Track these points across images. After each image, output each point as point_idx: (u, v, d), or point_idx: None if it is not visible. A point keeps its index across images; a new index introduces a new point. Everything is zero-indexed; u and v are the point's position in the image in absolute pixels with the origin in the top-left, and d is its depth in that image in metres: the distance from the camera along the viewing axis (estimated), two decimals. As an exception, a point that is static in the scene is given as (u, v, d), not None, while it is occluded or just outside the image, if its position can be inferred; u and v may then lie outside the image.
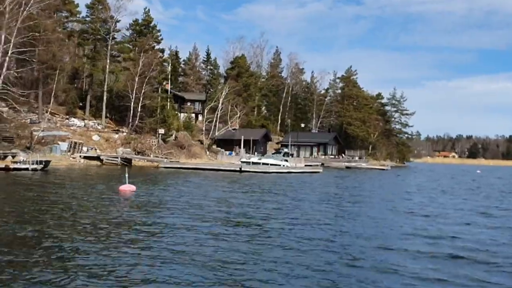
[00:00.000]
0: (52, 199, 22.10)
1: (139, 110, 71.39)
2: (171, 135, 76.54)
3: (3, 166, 36.56)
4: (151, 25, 79.40)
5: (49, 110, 71.90)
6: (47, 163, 40.59)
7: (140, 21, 79.57)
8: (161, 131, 72.71)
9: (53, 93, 64.53)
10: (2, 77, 50.48)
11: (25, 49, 52.35)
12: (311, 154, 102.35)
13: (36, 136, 57.25)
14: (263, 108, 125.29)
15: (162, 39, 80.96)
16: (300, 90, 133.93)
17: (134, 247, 12.53)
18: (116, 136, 69.25)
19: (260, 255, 12.31)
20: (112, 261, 11.02)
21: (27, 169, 36.59)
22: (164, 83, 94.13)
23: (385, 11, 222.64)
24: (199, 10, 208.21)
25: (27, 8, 50.01)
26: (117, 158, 56.09)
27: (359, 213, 21.92)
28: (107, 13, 77.05)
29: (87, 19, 78.88)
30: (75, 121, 70.71)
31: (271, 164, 57.09)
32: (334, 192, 32.08)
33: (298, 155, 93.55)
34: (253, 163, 57.98)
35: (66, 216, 17.24)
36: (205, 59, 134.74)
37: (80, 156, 55.12)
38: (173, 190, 28.55)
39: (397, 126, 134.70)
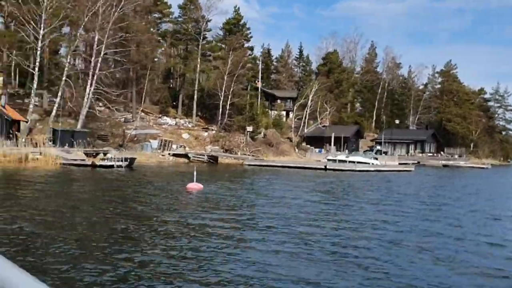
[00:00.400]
0: (120, 194, 22.40)
1: (227, 108, 72.00)
2: (260, 132, 76.54)
3: (90, 163, 37.95)
4: (241, 23, 79.82)
5: (143, 109, 74.60)
6: (132, 160, 41.68)
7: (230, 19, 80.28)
8: (250, 128, 72.90)
9: (144, 93, 66.27)
10: (95, 77, 52.52)
11: (117, 50, 54.15)
12: (407, 152, 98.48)
13: (129, 135, 59.27)
14: (357, 104, 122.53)
15: (251, 37, 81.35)
16: (396, 86, 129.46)
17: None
18: (206, 134, 70.28)
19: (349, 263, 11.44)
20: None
21: (112, 166, 37.72)
22: (256, 81, 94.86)
23: (491, 3, 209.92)
24: (296, 8, 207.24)
25: (118, 9, 51.65)
26: (204, 155, 56.73)
27: (426, 215, 20.24)
28: (198, 13, 78.49)
29: (179, 19, 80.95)
30: (167, 119, 72.61)
31: (358, 162, 55.32)
32: (411, 193, 30.16)
33: (393, 153, 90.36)
34: (340, 161, 56.46)
35: (127, 211, 17.26)
36: (297, 56, 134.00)
37: (169, 154, 56.33)
38: (243, 188, 28.11)
39: (501, 123, 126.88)
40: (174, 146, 60.21)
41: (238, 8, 79.69)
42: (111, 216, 16.45)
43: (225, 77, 71.02)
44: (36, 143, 43.86)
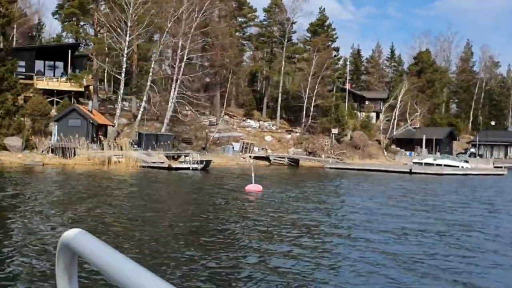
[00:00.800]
0: (186, 195, 22.50)
1: (311, 110, 71.21)
2: (345, 135, 75.03)
3: (166, 166, 38.70)
4: (326, 24, 78.78)
5: (227, 112, 75.52)
6: (207, 163, 42.06)
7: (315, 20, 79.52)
8: (335, 131, 71.66)
9: (226, 96, 66.94)
10: (178, 82, 53.67)
11: (200, 54, 55.07)
12: (506, 154, 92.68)
13: (211, 137, 60.13)
14: (453, 105, 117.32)
15: (337, 37, 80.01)
16: (495, 85, 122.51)
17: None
18: (289, 136, 69.91)
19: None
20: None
21: (188, 168, 38.26)
22: (344, 82, 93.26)
23: None
24: (392, 7, 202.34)
25: (200, 15, 52.48)
26: (284, 158, 56.35)
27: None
28: (283, 15, 78.42)
29: (264, 22, 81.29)
30: (250, 122, 73.01)
31: (445, 165, 52.63)
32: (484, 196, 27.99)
33: (489, 156, 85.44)
34: (426, 164, 54.03)
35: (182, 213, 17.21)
36: (389, 56, 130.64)
37: (250, 157, 56.48)
38: (312, 191, 27.33)
39: None
40: (256, 149, 60.34)
41: (324, 9, 78.88)
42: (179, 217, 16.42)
43: (309, 79, 70.29)
44: (121, 147, 45.51)
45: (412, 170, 48.14)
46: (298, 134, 71.15)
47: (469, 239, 14.60)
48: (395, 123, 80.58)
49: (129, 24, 50.98)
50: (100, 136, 45.87)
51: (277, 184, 31.18)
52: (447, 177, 44.58)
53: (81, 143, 40.98)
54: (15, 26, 77.54)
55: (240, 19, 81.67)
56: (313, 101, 71.01)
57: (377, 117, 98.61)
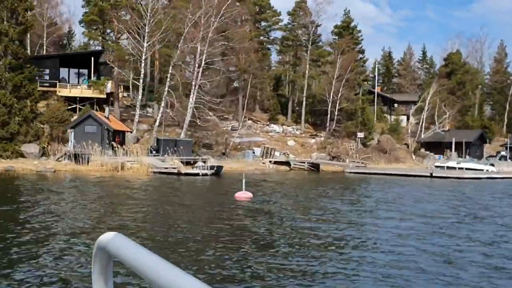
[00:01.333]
0: (178, 201, 21.96)
1: (335, 114, 70.05)
2: (372, 138, 73.56)
3: (175, 171, 38.30)
4: (351, 26, 77.56)
5: (251, 117, 75.04)
6: (219, 168, 41.48)
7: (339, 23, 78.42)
8: (360, 134, 70.36)
9: (246, 100, 66.42)
10: (196, 87, 53.40)
11: (218, 59, 54.74)
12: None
13: (231, 143, 59.67)
14: (487, 107, 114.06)
15: (362, 39, 78.58)
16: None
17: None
18: (313, 141, 68.93)
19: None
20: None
21: (197, 174, 37.78)
22: (375, 85, 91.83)
23: None
24: (429, 9, 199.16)
25: (217, 19, 52.13)
26: (304, 163, 55.40)
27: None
28: (307, 18, 77.57)
29: (288, 26, 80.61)
30: (274, 127, 72.30)
31: (468, 169, 50.85)
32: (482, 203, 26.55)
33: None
34: (448, 167, 52.38)
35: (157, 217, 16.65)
36: (420, 58, 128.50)
37: (270, 162, 55.75)
38: (315, 198, 26.42)
39: None
40: (277, 154, 59.58)
41: (348, 11, 77.67)
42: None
43: (334, 82, 69.19)
44: (137, 153, 45.42)
45: (433, 174, 46.67)
46: (322, 138, 70.08)
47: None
48: (423, 126, 78.64)
49: (147, 30, 51.01)
50: (114, 142, 45.83)
51: (285, 190, 30.37)
52: (468, 181, 42.97)
53: (95, 149, 40.96)
54: (45, 35, 78.99)
55: (264, 23, 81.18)
56: (337, 104, 69.87)
57: (408, 120, 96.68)
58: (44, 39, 79.14)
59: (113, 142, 43.67)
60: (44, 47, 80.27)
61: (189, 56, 55.69)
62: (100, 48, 68.04)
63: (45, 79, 60.57)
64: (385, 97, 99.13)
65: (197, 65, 53.80)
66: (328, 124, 70.48)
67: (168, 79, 52.55)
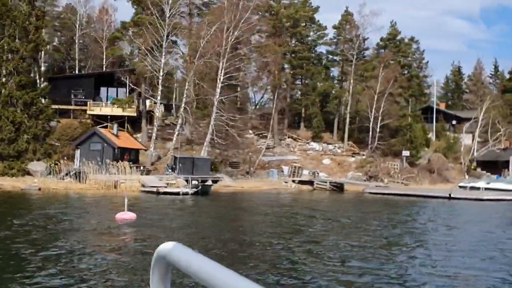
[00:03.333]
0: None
1: (377, 130, 65.57)
2: (419, 157, 68.15)
3: (155, 190, 35.99)
4: (397, 38, 72.90)
5: (291, 135, 71.98)
6: (205, 188, 38.67)
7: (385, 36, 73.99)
8: (406, 153, 65.36)
9: (285, 118, 63.60)
10: (216, 103, 51.34)
11: (233, 74, 52.49)
12: None
13: (257, 161, 57.00)
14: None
15: (409, 52, 73.51)
16: None
17: None
18: (352, 159, 64.75)
19: None
20: None
21: (178, 193, 35.33)
22: (434, 101, 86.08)
23: None
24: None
25: (235, 32, 49.95)
26: (326, 182, 51.61)
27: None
28: (353, 32, 73.88)
29: (333, 40, 77.29)
30: (313, 145, 68.81)
31: (496, 189, 45.36)
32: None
33: None
34: (472, 188, 47.13)
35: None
36: (492, 73, 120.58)
37: (293, 181, 52.49)
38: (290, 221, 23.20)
39: None
40: (305, 172, 56.11)
41: (395, 23, 72.93)
42: None
43: (375, 97, 64.92)
44: (148, 170, 43.89)
45: (452, 195, 41.83)
46: (364, 157, 65.73)
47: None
48: (476, 143, 72.34)
49: (164, 46, 49.77)
50: (125, 159, 44.46)
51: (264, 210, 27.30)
52: (488, 203, 37.88)
53: (92, 167, 39.75)
54: (104, 56, 79.68)
55: (310, 37, 77.94)
56: (379, 121, 65.41)
57: (474, 138, 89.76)
58: (104, 59, 79.76)
59: (107, 160, 42.09)
60: (104, 67, 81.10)
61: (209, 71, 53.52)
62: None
63: (80, 98, 60.95)
64: (448, 114, 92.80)
65: (219, 80, 51.73)
66: (370, 142, 66.11)
67: (185, 95, 50.82)
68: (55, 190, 36.22)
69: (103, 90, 62.63)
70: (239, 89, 60.27)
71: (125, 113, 58.00)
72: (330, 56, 78.04)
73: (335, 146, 69.67)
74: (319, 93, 78.39)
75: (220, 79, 50.90)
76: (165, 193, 34.94)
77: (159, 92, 51.24)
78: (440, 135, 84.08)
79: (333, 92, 77.33)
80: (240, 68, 53.33)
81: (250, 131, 70.32)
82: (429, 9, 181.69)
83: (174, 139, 51.09)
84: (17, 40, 44.54)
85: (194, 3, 62.47)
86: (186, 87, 50.82)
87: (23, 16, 44.10)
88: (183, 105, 51.14)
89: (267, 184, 50.34)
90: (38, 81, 58.46)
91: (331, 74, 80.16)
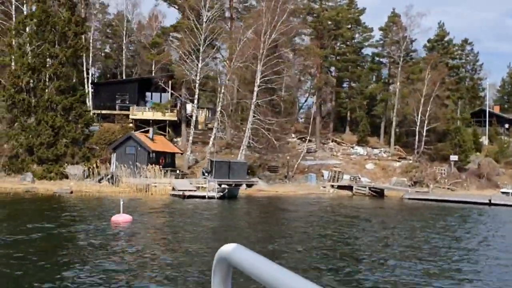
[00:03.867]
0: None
1: (424, 134, 63.27)
2: (468, 162, 65.23)
3: (181, 193, 35.55)
4: (446, 39, 70.21)
5: (335, 139, 70.52)
6: (233, 191, 37.98)
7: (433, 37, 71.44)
8: (454, 157, 62.73)
9: (330, 121, 62.44)
10: (253, 107, 50.80)
11: (273, 77, 51.72)
12: None
13: (296, 165, 56.01)
14: None
15: (458, 54, 70.66)
16: None
17: None
18: (397, 164, 62.64)
19: None
20: None
21: (204, 197, 34.78)
22: (486, 103, 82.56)
23: None
24: None
25: (273, 34, 49.22)
26: (365, 188, 49.97)
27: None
28: (400, 33, 71.79)
29: (380, 42, 75.44)
30: (358, 149, 67.11)
31: None
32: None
33: None
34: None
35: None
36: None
37: (332, 186, 51.16)
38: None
39: None
40: (346, 177, 54.64)
41: (443, 23, 70.25)
42: None
43: (422, 100, 62.72)
44: (183, 173, 43.82)
45: (492, 201, 39.52)
46: (411, 161, 63.52)
47: None
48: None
49: (201, 50, 49.69)
50: (160, 163, 44.55)
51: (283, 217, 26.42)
52: None
53: (125, 171, 39.96)
54: (153, 62, 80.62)
55: (355, 40, 76.33)
56: (425, 124, 63.13)
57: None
58: (153, 65, 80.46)
59: (141, 165, 42.13)
60: (153, 72, 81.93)
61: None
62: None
63: (124, 103, 61.81)
64: (502, 117, 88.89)
65: (256, 84, 51.16)
66: (416, 146, 63.88)
67: (219, 100, 50.50)
68: (87, 194, 36.48)
69: (148, 95, 63.33)
70: (282, 92, 59.36)
71: (166, 118, 58.41)
72: (377, 58, 76.08)
73: (381, 151, 67.71)
74: (365, 96, 76.65)
75: (257, 82, 50.28)
76: (190, 196, 34.55)
77: (196, 96, 51.07)
78: (493, 139, 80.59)
79: (380, 95, 75.27)
80: (280, 71, 52.31)
81: (293, 135, 69.44)
82: (491, 10, 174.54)
83: (211, 143, 50.81)
84: (56, 46, 45.39)
85: (235, 8, 62.26)
86: (222, 91, 50.39)
87: (62, 22, 44.96)
88: (218, 109, 50.85)
89: (305, 189, 49.28)
90: (85, 85, 59.87)
91: (378, 77, 77.85)
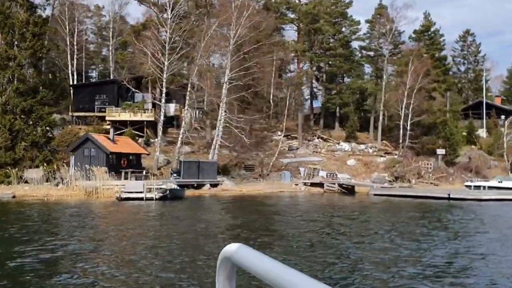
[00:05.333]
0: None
1: (408, 128, 60.67)
2: (457, 156, 62.46)
3: (118, 196, 33.53)
4: (432, 30, 67.34)
5: (321, 135, 68.23)
6: (176, 192, 35.73)
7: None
8: (441, 151, 60.09)
9: (291, 115, 60.22)
10: (223, 105, 48.90)
11: (238, 74, 49.68)
12: None
13: (271, 163, 53.96)
14: None
15: (444, 45, 67.75)
16: None
17: None
18: (381, 159, 60.16)
19: None
20: None
21: (141, 199, 32.84)
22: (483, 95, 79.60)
23: None
24: None
25: (238, 30, 47.25)
26: (334, 184, 47.71)
27: None
28: (387, 25, 69.24)
29: (366, 35, 73.01)
30: (343, 145, 64.70)
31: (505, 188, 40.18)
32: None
33: None
34: (476, 187, 42.18)
35: None
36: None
37: (305, 184, 49.04)
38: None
39: None
40: (322, 174, 52.39)
41: (428, 13, 67.36)
42: None
43: (406, 93, 60.13)
44: (146, 175, 42.06)
45: (451, 196, 37.10)
46: (396, 156, 60.97)
47: None
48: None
49: (167, 48, 47.95)
50: (123, 165, 42.91)
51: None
52: (485, 203, 33.07)
53: (80, 174, 38.39)
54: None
55: (343, 33, 73.75)
56: (409, 118, 60.55)
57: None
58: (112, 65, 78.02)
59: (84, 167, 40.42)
60: (111, 73, 79.65)
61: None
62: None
63: (105, 105, 60.23)
64: (501, 108, 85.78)
65: (225, 81, 49.28)
66: (401, 141, 61.33)
67: (187, 98, 48.69)
68: (33, 198, 34.94)
69: (128, 96, 61.83)
70: (257, 88, 57.26)
71: (143, 118, 56.84)
72: (364, 52, 73.64)
73: (367, 146, 65.24)
74: (353, 91, 74.24)
75: (225, 79, 48.43)
76: (127, 198, 32.69)
77: (163, 95, 49.33)
78: (492, 131, 77.64)
79: (367, 89, 72.73)
80: (251, 67, 50.30)
81: (280, 133, 67.40)
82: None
83: (179, 142, 49.01)
84: (15, 47, 44.05)
85: (212, 4, 60.36)
86: (188, 90, 48.57)
87: (19, 23, 43.58)
88: (186, 107, 49.02)
89: (277, 187, 47.21)
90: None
91: (366, 71, 75.37)
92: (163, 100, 49.25)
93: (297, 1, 63.32)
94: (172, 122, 62.12)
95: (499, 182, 45.37)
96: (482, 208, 31.05)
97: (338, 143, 65.64)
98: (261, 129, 63.67)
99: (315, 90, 77.84)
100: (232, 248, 1.41)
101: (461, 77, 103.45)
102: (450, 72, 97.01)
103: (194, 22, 51.46)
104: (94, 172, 37.63)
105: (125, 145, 44.83)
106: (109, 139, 43.65)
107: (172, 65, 48.64)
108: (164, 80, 48.37)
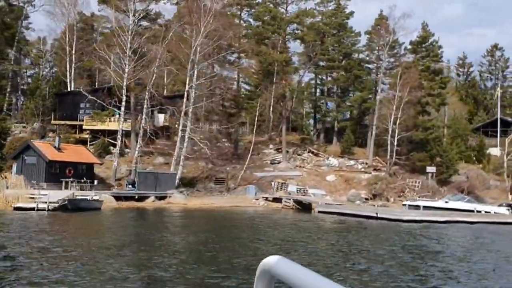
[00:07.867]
0: None
1: (395, 144, 55.83)
2: (450, 174, 56.98)
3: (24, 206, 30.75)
4: (429, 41, 62.22)
5: (312, 149, 64.03)
6: (75, 203, 32.22)
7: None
8: (431, 169, 54.95)
9: (280, 127, 56.64)
10: (185, 114, 45.96)
11: (206, 79, 46.66)
12: None
13: (239, 177, 50.44)
14: None
15: (441, 57, 62.47)
16: None
17: None
18: (365, 176, 55.53)
19: None
20: None
21: (33, 209, 29.78)
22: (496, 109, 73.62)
23: None
24: None
25: (201, 36, 44.32)
26: (289, 200, 43.65)
27: None
28: (387, 37, 64.77)
29: (365, 46, 68.70)
30: (331, 160, 60.28)
31: (455, 209, 35.27)
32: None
33: None
34: (411, 206, 37.57)
35: None
36: None
37: (266, 199, 45.28)
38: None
39: None
40: (292, 189, 48.44)
41: (426, 24, 62.29)
42: None
43: (394, 106, 55.50)
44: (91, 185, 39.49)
45: (378, 215, 32.63)
46: (383, 173, 56.18)
47: None
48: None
49: (127, 54, 45.57)
50: (68, 175, 40.46)
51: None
52: (406, 224, 28.54)
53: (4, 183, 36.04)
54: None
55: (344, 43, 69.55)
56: (396, 133, 55.75)
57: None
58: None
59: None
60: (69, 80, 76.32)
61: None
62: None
63: (88, 114, 58.38)
64: (507, 122, 79.77)
65: (186, 90, 46.39)
66: (388, 157, 56.55)
67: (145, 106, 46.00)
68: None
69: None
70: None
71: (116, 128, 54.52)
72: (364, 65, 69.25)
73: (357, 162, 60.57)
74: (351, 105, 69.94)
75: (187, 88, 45.54)
76: (19, 208, 29.89)
77: (123, 103, 46.85)
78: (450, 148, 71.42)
79: (365, 103, 68.10)
80: (218, 75, 47.28)
81: (272, 146, 63.96)
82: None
83: (136, 152, 46.30)
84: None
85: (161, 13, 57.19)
86: (146, 97, 45.87)
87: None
88: (143, 116, 46.32)
89: (236, 201, 43.63)
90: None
91: (364, 84, 70.56)
92: (122, 108, 46.71)
93: (281, 10, 59.86)
94: (163, 132, 59.69)
95: (445, 202, 40.44)
96: (391, 228, 26.73)
97: (327, 158, 61.34)
98: (256, 142, 60.30)
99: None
100: (272, 260, 1.34)
101: (486, 93, 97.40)
102: (478, 88, 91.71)
103: (161, 27, 48.86)
104: (7, 180, 35.11)
105: (73, 154, 42.37)
106: (54, 147, 41.31)
107: (135, 73, 46.16)
108: (124, 88, 45.89)
